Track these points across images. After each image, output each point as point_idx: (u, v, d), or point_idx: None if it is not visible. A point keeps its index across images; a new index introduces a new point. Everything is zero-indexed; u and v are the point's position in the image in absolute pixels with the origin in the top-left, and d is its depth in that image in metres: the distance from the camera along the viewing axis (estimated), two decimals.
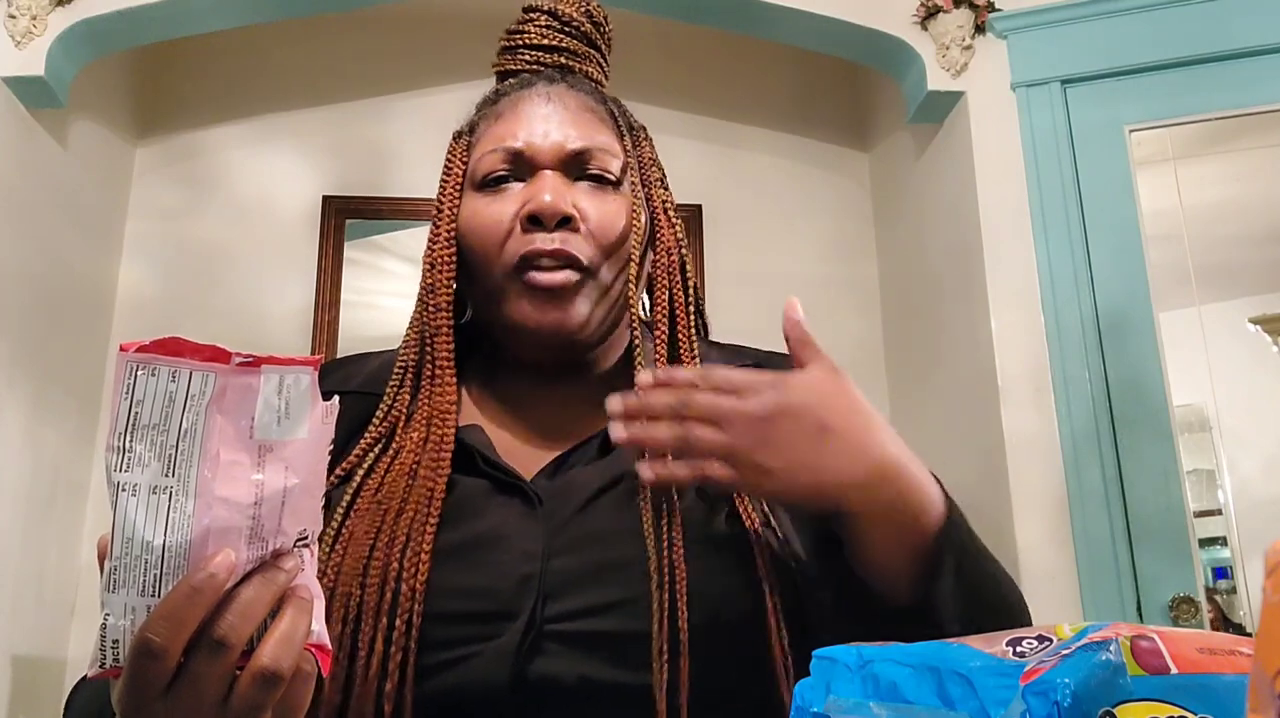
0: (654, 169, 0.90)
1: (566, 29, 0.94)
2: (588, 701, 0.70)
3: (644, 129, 0.92)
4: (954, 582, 0.70)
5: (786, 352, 0.75)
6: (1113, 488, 2.09)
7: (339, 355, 2.65)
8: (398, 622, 0.71)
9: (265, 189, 2.86)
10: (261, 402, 0.50)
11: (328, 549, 0.75)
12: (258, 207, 2.84)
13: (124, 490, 0.49)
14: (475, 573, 0.74)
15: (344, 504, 0.77)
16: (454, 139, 0.90)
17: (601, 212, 0.84)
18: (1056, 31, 2.34)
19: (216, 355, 0.50)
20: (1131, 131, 2.27)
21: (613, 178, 0.86)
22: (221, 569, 0.49)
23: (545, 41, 0.93)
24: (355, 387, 0.86)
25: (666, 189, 0.91)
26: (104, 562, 0.50)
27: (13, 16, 2.25)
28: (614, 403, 0.72)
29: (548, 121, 0.86)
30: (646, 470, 0.72)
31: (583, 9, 0.95)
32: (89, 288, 2.63)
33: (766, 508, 0.80)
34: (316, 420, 0.52)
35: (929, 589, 0.70)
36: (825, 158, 3.01)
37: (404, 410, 0.83)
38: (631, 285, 0.84)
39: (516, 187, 0.84)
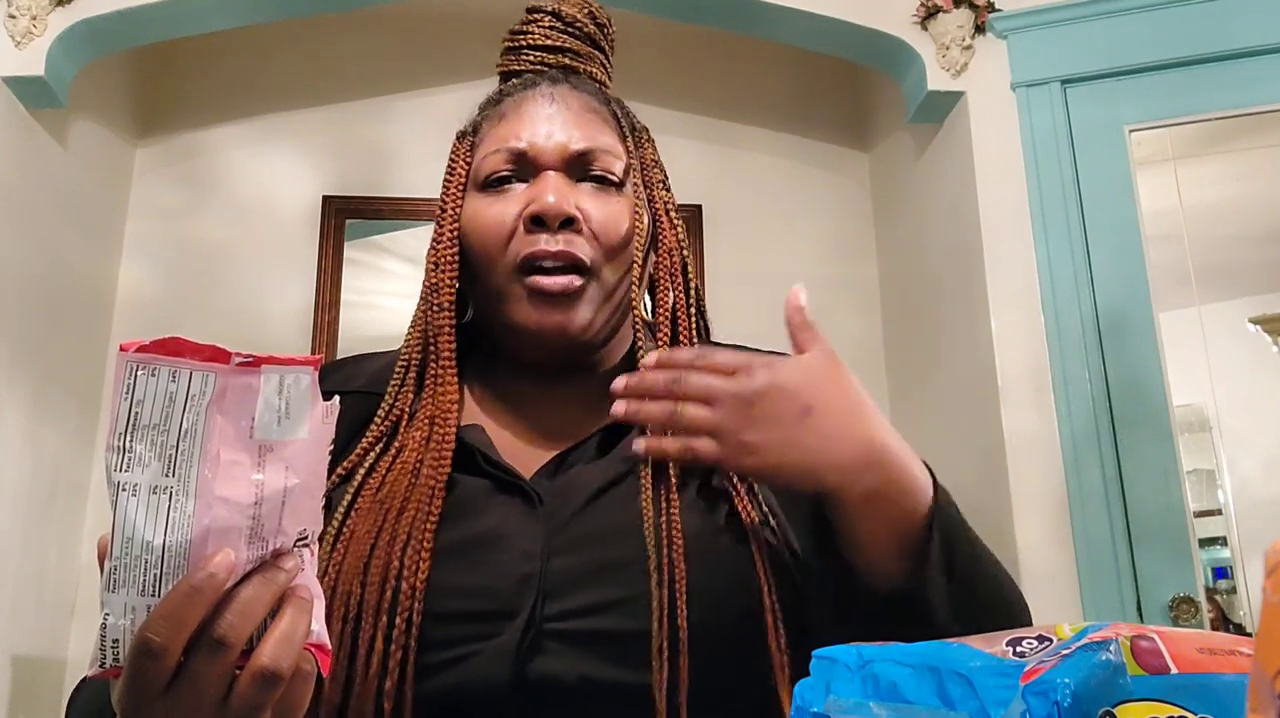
0: (656, 170, 0.91)
1: (570, 30, 0.94)
2: (588, 700, 0.71)
3: (646, 130, 0.93)
4: (943, 570, 0.70)
5: (789, 348, 0.75)
6: (1113, 488, 2.09)
7: (339, 355, 2.63)
8: (398, 620, 0.71)
9: (265, 189, 2.86)
10: (262, 402, 0.50)
11: (329, 547, 0.75)
12: (258, 207, 2.84)
13: (124, 490, 0.49)
14: (475, 572, 0.74)
15: (346, 503, 0.78)
16: (457, 139, 0.91)
17: (604, 213, 0.84)
18: (1056, 31, 2.34)
19: (216, 355, 0.50)
20: (1131, 131, 2.27)
21: (615, 179, 0.86)
22: (221, 569, 0.49)
23: (549, 42, 0.93)
24: (357, 387, 0.86)
25: (668, 190, 0.91)
26: (104, 562, 0.50)
27: (13, 16, 2.25)
28: (618, 382, 0.75)
29: (551, 122, 0.86)
30: (640, 443, 0.75)
31: (586, 10, 0.95)
32: (89, 288, 2.63)
33: (766, 507, 0.80)
34: (317, 420, 0.52)
35: (917, 576, 0.70)
36: (825, 158, 3.01)
37: (406, 409, 0.83)
38: (634, 287, 0.84)
39: (519, 187, 0.85)
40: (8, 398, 2.23)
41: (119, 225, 2.78)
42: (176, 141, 2.90)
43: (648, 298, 0.88)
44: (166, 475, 0.49)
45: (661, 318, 0.85)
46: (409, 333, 0.88)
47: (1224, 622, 2.19)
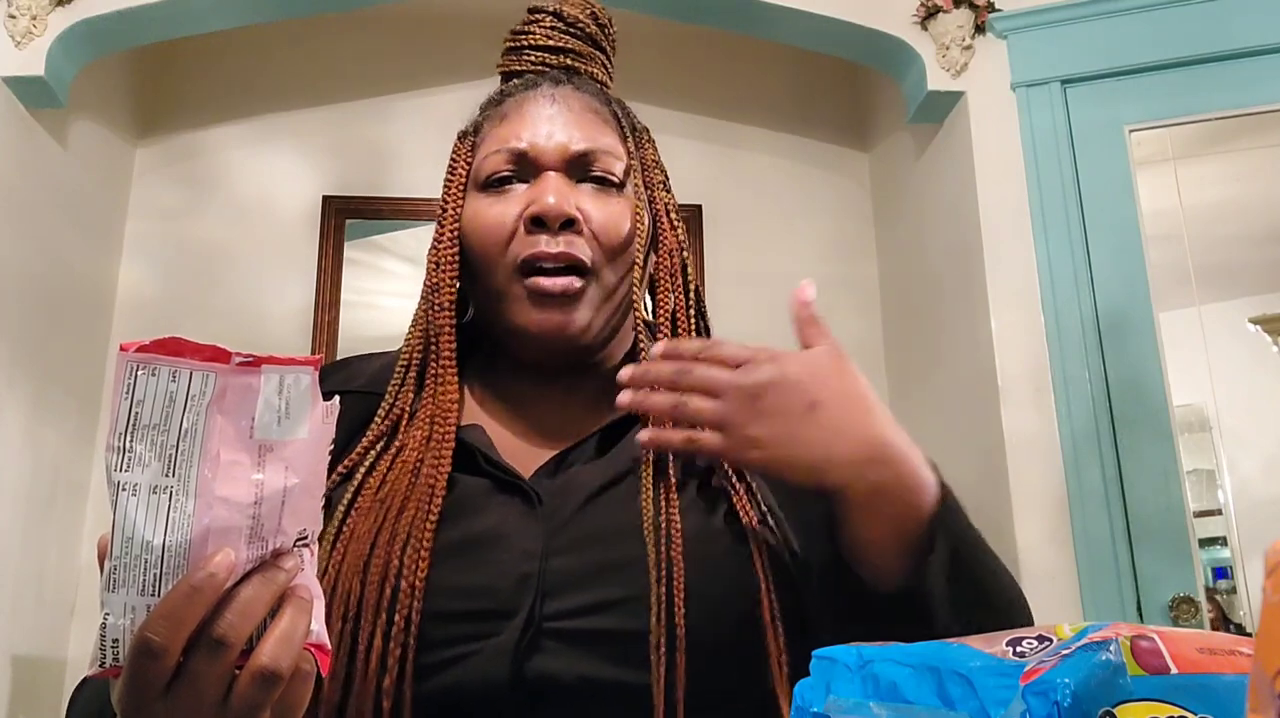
0: (657, 171, 0.91)
1: (572, 30, 0.94)
2: (587, 699, 0.71)
3: (647, 130, 0.93)
4: (947, 569, 0.70)
5: (795, 344, 0.75)
6: (1113, 488, 2.09)
7: (339, 355, 2.63)
8: (397, 618, 0.71)
9: (265, 189, 2.86)
10: (262, 402, 0.50)
11: (329, 545, 0.75)
12: (258, 207, 2.84)
13: (124, 490, 0.49)
14: (474, 572, 0.74)
15: (346, 501, 0.78)
16: (459, 139, 0.91)
17: (605, 214, 0.84)
18: (1056, 31, 2.34)
19: (216, 355, 0.50)
20: (1131, 131, 2.27)
21: (616, 180, 0.86)
22: (221, 569, 0.49)
23: (550, 43, 0.93)
24: (358, 387, 0.87)
25: (669, 191, 0.91)
26: (104, 562, 0.50)
27: (13, 16, 2.25)
28: (624, 372, 0.75)
29: (552, 123, 0.86)
30: (643, 434, 0.75)
31: (588, 10, 0.95)
32: (89, 288, 2.63)
33: (764, 507, 0.80)
34: (317, 420, 0.52)
35: (919, 576, 0.70)
36: (825, 158, 3.01)
37: (406, 408, 0.84)
38: (635, 288, 0.84)
39: (520, 188, 0.85)
40: (8, 398, 2.23)
41: (119, 225, 2.78)
42: (176, 141, 2.90)
43: (648, 298, 0.88)
44: (166, 475, 0.49)
45: (662, 319, 0.86)
46: (409, 332, 0.88)
47: (1224, 622, 2.19)
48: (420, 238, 2.63)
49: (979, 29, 2.39)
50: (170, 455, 0.49)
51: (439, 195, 0.88)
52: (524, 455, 0.82)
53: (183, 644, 0.49)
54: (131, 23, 2.38)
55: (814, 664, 0.48)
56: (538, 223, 0.82)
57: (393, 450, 0.81)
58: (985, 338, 2.26)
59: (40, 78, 2.25)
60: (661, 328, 0.85)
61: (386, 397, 0.84)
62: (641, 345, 0.84)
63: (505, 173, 0.85)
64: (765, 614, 0.73)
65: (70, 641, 2.44)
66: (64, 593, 2.44)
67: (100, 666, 0.50)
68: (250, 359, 0.50)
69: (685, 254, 0.89)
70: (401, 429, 0.82)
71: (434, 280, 0.86)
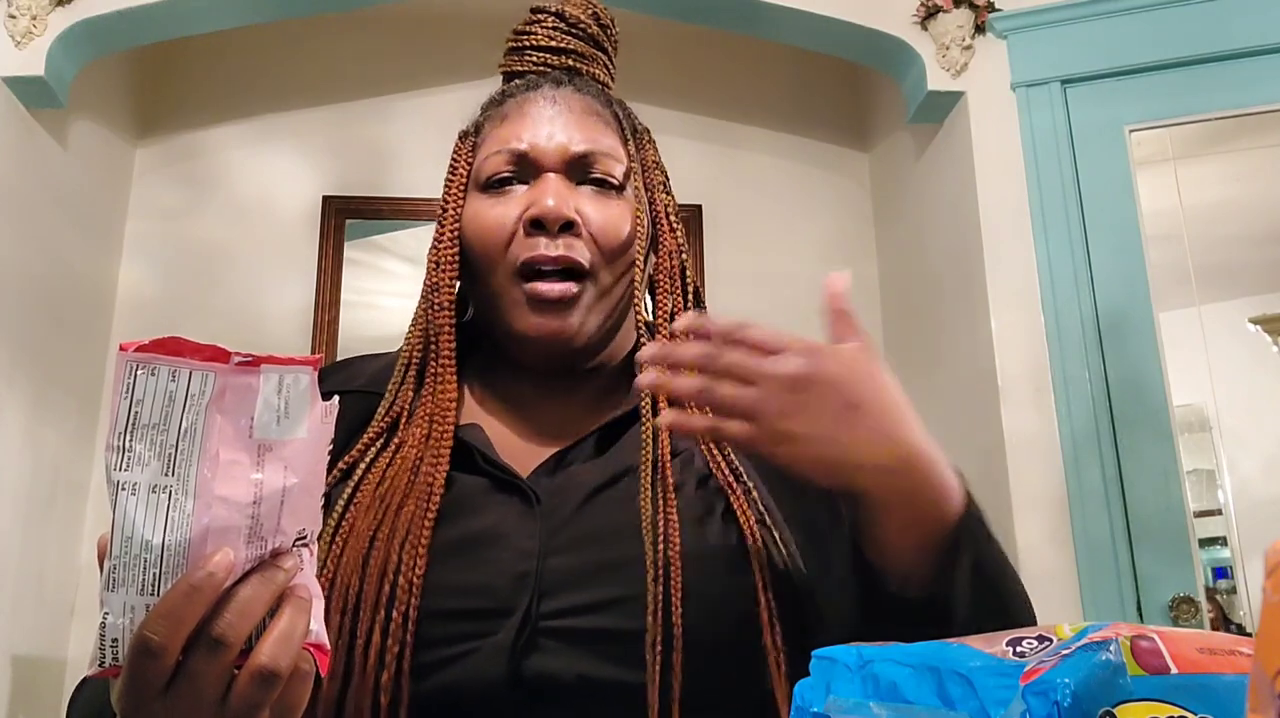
0: (657, 173, 0.91)
1: (573, 31, 0.94)
2: (585, 698, 0.71)
3: (648, 132, 0.93)
4: (970, 576, 0.69)
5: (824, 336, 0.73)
6: (1113, 488, 2.09)
7: (339, 356, 2.63)
8: (395, 614, 0.71)
9: (265, 189, 2.86)
10: (261, 401, 0.50)
11: (329, 542, 0.75)
12: (258, 207, 2.84)
13: (124, 490, 0.49)
14: (472, 571, 0.74)
15: (345, 498, 0.78)
16: (459, 139, 0.91)
17: (604, 216, 0.84)
18: (1056, 31, 2.34)
19: (216, 355, 0.50)
20: (1131, 131, 2.27)
21: (616, 182, 0.86)
22: (220, 568, 0.49)
23: (552, 43, 0.93)
24: (358, 386, 0.87)
25: (669, 193, 0.91)
26: (104, 561, 0.50)
27: (13, 16, 2.25)
28: (645, 350, 0.71)
29: (552, 124, 0.86)
30: (665, 417, 0.72)
31: (590, 11, 0.95)
32: (89, 288, 2.63)
33: (762, 507, 0.80)
34: (316, 420, 0.52)
35: (944, 582, 0.69)
36: (825, 158, 3.01)
37: (406, 407, 0.84)
38: (636, 290, 0.84)
39: (520, 189, 0.85)
40: (8, 398, 2.23)
41: (119, 225, 2.78)
42: (176, 141, 2.90)
43: (648, 299, 0.88)
44: (166, 475, 0.49)
45: (661, 321, 0.85)
46: (410, 331, 0.88)
47: (1224, 622, 2.19)
48: (420, 238, 2.63)
49: (979, 29, 2.39)
50: (170, 455, 0.49)
51: (439, 195, 0.88)
52: (522, 455, 0.82)
53: (182, 644, 0.49)
54: (131, 23, 2.38)
55: (814, 664, 0.48)
56: (537, 225, 0.82)
57: (392, 448, 0.81)
58: (985, 338, 2.26)
59: (40, 78, 2.25)
60: (661, 329, 0.85)
61: (386, 395, 0.84)
62: (643, 345, 0.84)
63: (505, 174, 0.85)
64: (763, 614, 0.73)
65: (70, 641, 2.43)
66: (64, 593, 2.43)
67: (100, 665, 0.50)
68: (249, 359, 0.51)
69: (685, 256, 0.89)
70: (401, 427, 0.82)
71: (434, 280, 0.86)
